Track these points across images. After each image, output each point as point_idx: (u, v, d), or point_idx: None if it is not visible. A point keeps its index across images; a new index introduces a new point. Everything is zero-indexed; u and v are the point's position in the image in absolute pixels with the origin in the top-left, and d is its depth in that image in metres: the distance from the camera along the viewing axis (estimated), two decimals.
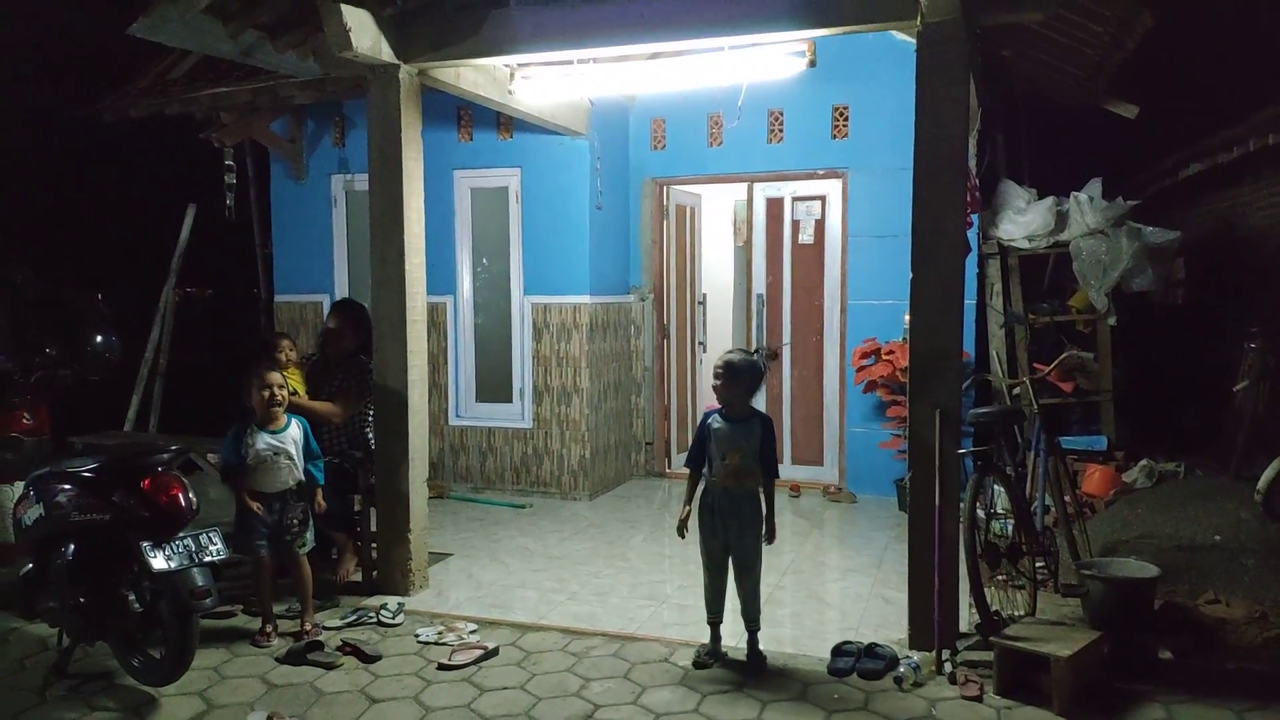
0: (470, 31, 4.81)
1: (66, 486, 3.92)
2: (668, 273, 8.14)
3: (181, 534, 3.79)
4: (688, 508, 4.33)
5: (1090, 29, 5.61)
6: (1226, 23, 8.23)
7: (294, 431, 4.55)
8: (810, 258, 7.71)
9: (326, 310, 7.77)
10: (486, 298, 7.67)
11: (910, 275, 4.28)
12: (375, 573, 5.22)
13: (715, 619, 4.32)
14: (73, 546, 3.89)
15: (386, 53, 4.85)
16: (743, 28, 4.47)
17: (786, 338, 7.79)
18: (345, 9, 4.54)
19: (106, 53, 7.35)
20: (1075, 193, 7.16)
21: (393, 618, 4.73)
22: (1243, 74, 7.77)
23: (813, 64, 5.23)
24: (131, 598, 3.83)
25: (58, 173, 9.51)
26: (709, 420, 4.27)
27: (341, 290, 7.89)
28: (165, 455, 3.93)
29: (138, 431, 7.65)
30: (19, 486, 4.38)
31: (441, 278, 7.45)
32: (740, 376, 4.18)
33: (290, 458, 4.49)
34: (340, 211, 7.88)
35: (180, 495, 3.79)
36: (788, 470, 7.61)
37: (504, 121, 7.27)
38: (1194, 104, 8.04)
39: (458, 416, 7.70)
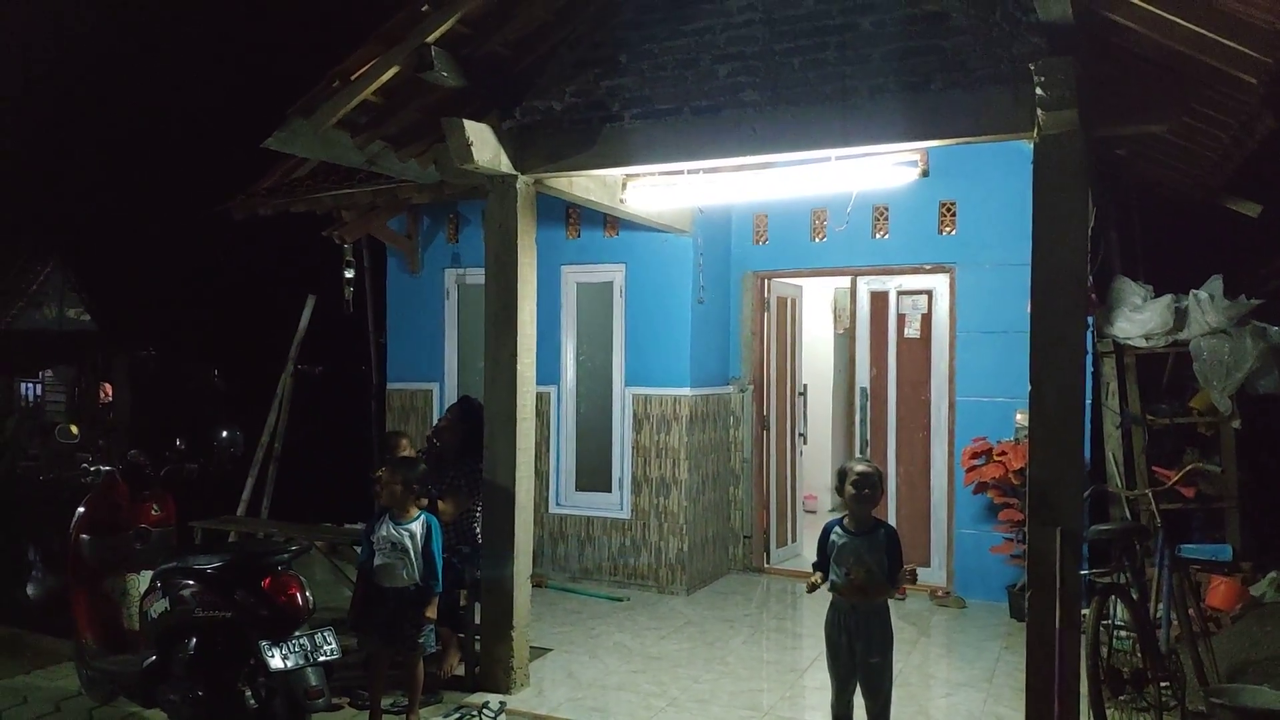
0: (585, 144, 4.99)
1: (191, 583, 4.07)
2: (768, 364, 8.12)
3: (298, 633, 3.88)
4: (818, 574, 4.23)
5: (1210, 133, 5.47)
6: None
7: (416, 526, 4.63)
8: (916, 352, 7.59)
9: (436, 397, 8.06)
10: (589, 388, 7.78)
11: (1027, 374, 4.18)
12: (478, 668, 5.24)
13: None
14: (195, 641, 4.01)
15: (505, 164, 5.06)
16: (856, 140, 4.51)
17: (892, 433, 7.65)
18: (468, 124, 4.77)
19: (236, 154, 7.86)
20: (1195, 290, 6.91)
21: (494, 717, 4.73)
22: None
23: (925, 173, 5.24)
24: (248, 694, 3.91)
25: (189, 266, 10.11)
26: (832, 533, 4.19)
27: (451, 378, 8.12)
28: (285, 555, 4.05)
29: (250, 517, 7.93)
30: (146, 576, 4.57)
31: (546, 368, 7.58)
32: (879, 487, 4.14)
33: (405, 552, 4.56)
34: (452, 303, 8.16)
35: (298, 594, 3.89)
36: None
37: (610, 221, 7.46)
38: None
39: (558, 505, 7.76)
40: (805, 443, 8.81)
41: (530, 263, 5.21)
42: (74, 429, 4.94)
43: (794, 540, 8.46)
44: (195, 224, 8.84)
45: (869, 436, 7.72)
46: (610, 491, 7.62)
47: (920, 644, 6.26)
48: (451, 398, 7.83)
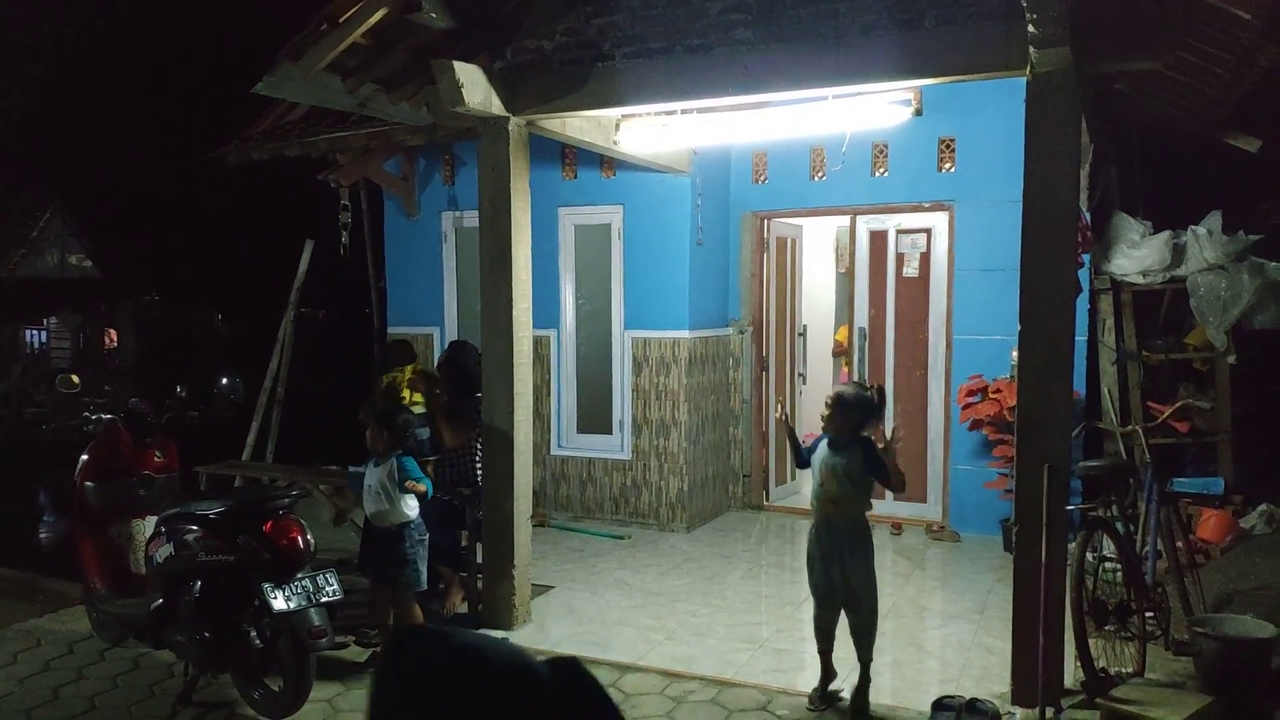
0: (576, 85, 4.95)
1: (194, 528, 4.17)
2: (768, 305, 8.13)
3: (300, 574, 3.99)
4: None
5: (1207, 69, 5.39)
6: None
7: (384, 467, 4.60)
8: (915, 291, 7.59)
9: (437, 341, 8.11)
10: (589, 331, 7.81)
11: (1019, 313, 4.21)
12: (481, 606, 5.37)
13: (824, 647, 4.32)
14: (199, 584, 4.12)
15: (496, 105, 5.03)
16: (849, 78, 4.47)
17: (890, 372, 7.69)
18: (458, 65, 4.73)
19: (229, 99, 7.79)
20: (1193, 226, 6.88)
21: None
22: None
23: (919, 112, 5.18)
24: (253, 634, 4.03)
25: (187, 212, 10.10)
26: (817, 444, 4.30)
27: (451, 322, 8.16)
28: (286, 500, 4.15)
29: (256, 461, 8.04)
30: (151, 522, 4.68)
31: (545, 312, 7.61)
32: (848, 409, 4.20)
33: (383, 492, 4.59)
34: (450, 247, 8.15)
35: (299, 538, 3.99)
36: (890, 506, 7.49)
37: (607, 161, 7.41)
38: None
39: (559, 446, 7.85)
40: (805, 383, 8.86)
41: (524, 206, 5.21)
42: (75, 379, 5.01)
43: (793, 479, 8.55)
44: (192, 169, 8.79)
45: (867, 376, 7.75)
46: (611, 433, 7.70)
47: (914, 577, 6.39)
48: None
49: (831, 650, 4.33)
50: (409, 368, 6.36)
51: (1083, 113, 4.45)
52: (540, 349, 7.70)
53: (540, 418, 7.75)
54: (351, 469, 4.82)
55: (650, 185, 7.32)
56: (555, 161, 7.62)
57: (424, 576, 4.72)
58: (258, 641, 4.00)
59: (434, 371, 5.70)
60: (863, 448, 4.20)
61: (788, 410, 4.44)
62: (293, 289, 8.13)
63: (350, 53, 4.76)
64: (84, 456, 4.81)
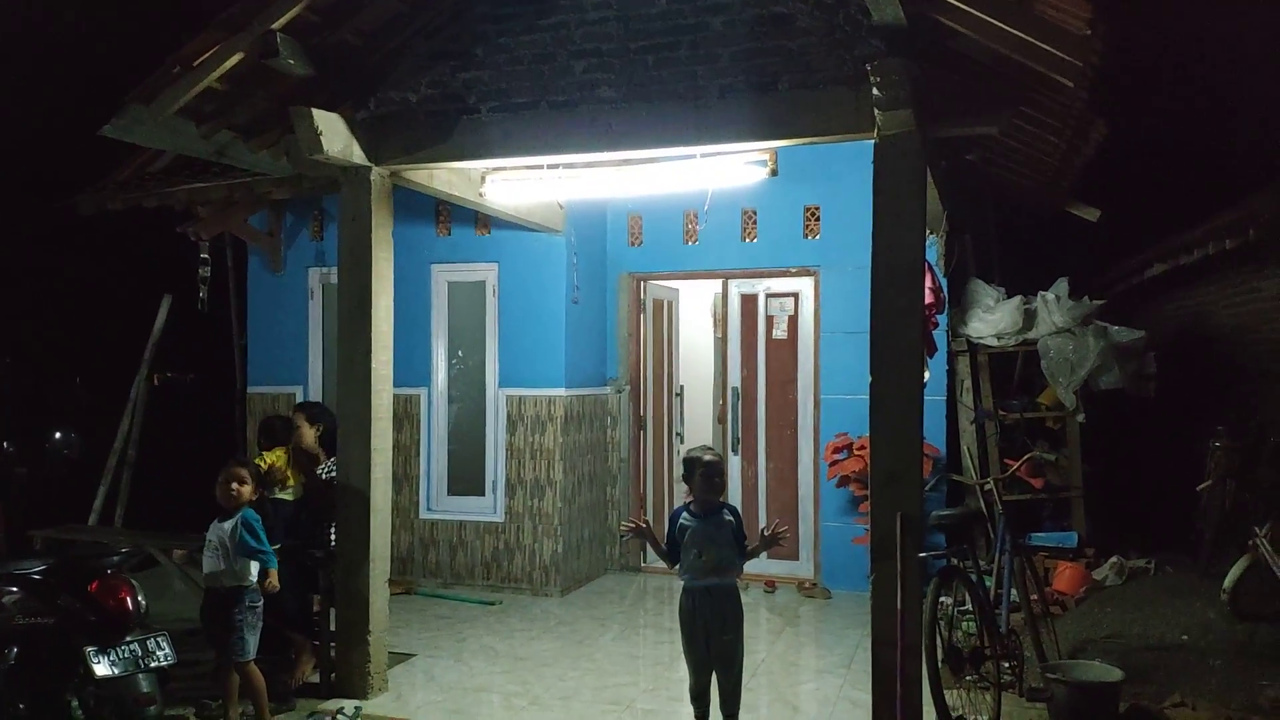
0: (441, 137, 4.94)
1: (13, 589, 3.86)
2: (644, 365, 8.19)
3: (129, 638, 3.72)
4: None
5: (1046, 139, 5.80)
6: (1182, 128, 8.51)
7: (231, 523, 4.39)
8: (784, 352, 7.78)
9: (300, 400, 7.81)
10: (461, 390, 7.68)
11: (870, 366, 4.33)
12: (334, 675, 5.09)
13: (701, 713, 4.30)
14: (16, 650, 3.79)
15: (358, 155, 4.97)
16: (708, 138, 4.60)
17: (762, 430, 7.81)
18: (316, 114, 4.66)
19: (85, 147, 7.50)
20: (1043, 292, 7.28)
21: None
22: (1200, 176, 8.01)
23: (774, 173, 5.37)
24: (74, 704, 3.73)
25: (34, 264, 9.57)
26: (680, 519, 4.27)
27: (315, 381, 7.89)
28: (115, 558, 3.88)
29: (102, 526, 7.53)
30: None
31: (416, 370, 7.48)
32: (709, 473, 4.24)
33: (220, 549, 4.34)
34: (317, 304, 7.93)
35: (128, 598, 3.73)
36: (762, 565, 7.51)
37: (482, 219, 7.40)
38: (1154, 206, 8.26)
39: (428, 510, 7.62)
40: (682, 442, 8.89)
41: (386, 257, 5.13)
42: None
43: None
44: (41, 221, 8.35)
45: (740, 434, 7.86)
46: (484, 495, 7.54)
47: (785, 633, 6.40)
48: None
49: (708, 716, 4.30)
50: (281, 450, 5.61)
51: (931, 179, 4.70)
52: (410, 408, 7.52)
53: (409, 479, 7.53)
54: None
55: (525, 243, 7.33)
56: (429, 218, 7.56)
57: (252, 646, 4.40)
58: (79, 712, 3.68)
59: (310, 443, 5.36)
60: (731, 513, 4.27)
61: (641, 521, 4.44)
62: (147, 346, 7.74)
63: (205, 97, 4.63)
64: None
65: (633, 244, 8.00)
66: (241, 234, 7.67)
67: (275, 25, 4.33)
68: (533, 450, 7.34)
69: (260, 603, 4.48)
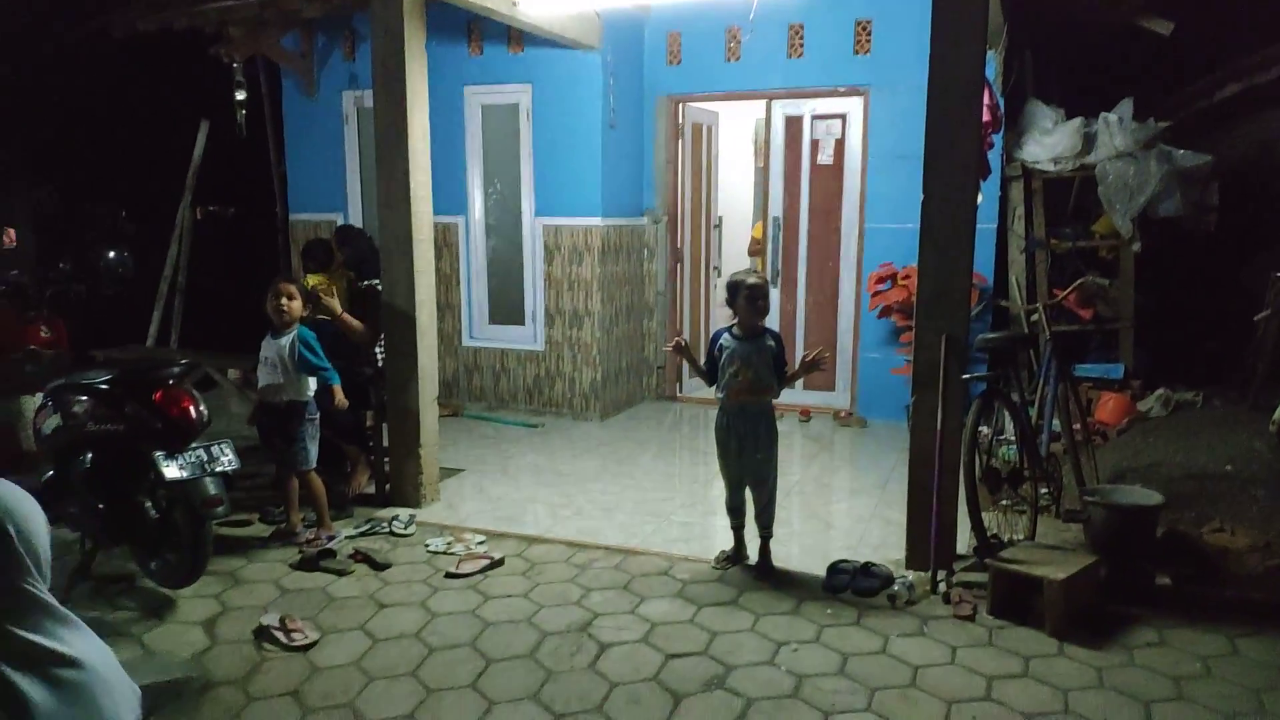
0: None
1: (82, 398, 4.02)
2: (682, 195, 8.04)
3: (194, 445, 3.89)
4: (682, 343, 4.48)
5: None
6: None
7: (286, 339, 4.57)
8: (829, 179, 7.58)
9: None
10: (498, 219, 7.63)
11: (923, 185, 4.22)
12: (388, 486, 5.33)
13: (737, 524, 4.48)
14: (90, 455, 4.00)
15: None
16: None
17: (803, 262, 7.72)
18: None
19: None
20: (1105, 113, 6.95)
21: (404, 528, 4.86)
22: None
23: None
24: (148, 505, 3.95)
25: (72, 90, 9.48)
26: (720, 339, 4.32)
27: (355, 208, 7.89)
28: (176, 369, 4.01)
29: (159, 347, 7.77)
30: (39, 398, 4.49)
31: (453, 198, 7.41)
32: (751, 296, 4.24)
33: (277, 366, 4.54)
34: (352, 128, 7.82)
35: (191, 408, 3.87)
36: (799, 395, 7.63)
37: (514, 35, 7.13)
38: (1231, 20, 7.71)
39: (471, 338, 7.75)
40: (720, 275, 8.85)
41: (421, 71, 4.99)
42: None
43: None
44: (77, 45, 8.20)
45: (780, 267, 7.78)
46: (524, 324, 7.62)
47: (819, 458, 6.54)
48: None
49: (743, 526, 4.49)
50: (323, 274, 5.63)
51: None
52: (448, 236, 7.52)
53: (451, 308, 7.62)
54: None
55: (560, 62, 7.08)
56: (460, 37, 7.31)
57: (312, 455, 4.66)
58: (153, 512, 3.92)
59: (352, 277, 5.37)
60: (774, 338, 4.30)
61: (684, 338, 4.45)
62: (189, 173, 7.74)
63: None
64: None
65: (671, 63, 7.69)
66: (274, 55, 7.49)
67: None
68: (570, 281, 7.36)
69: (317, 415, 4.67)
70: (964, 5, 4.06)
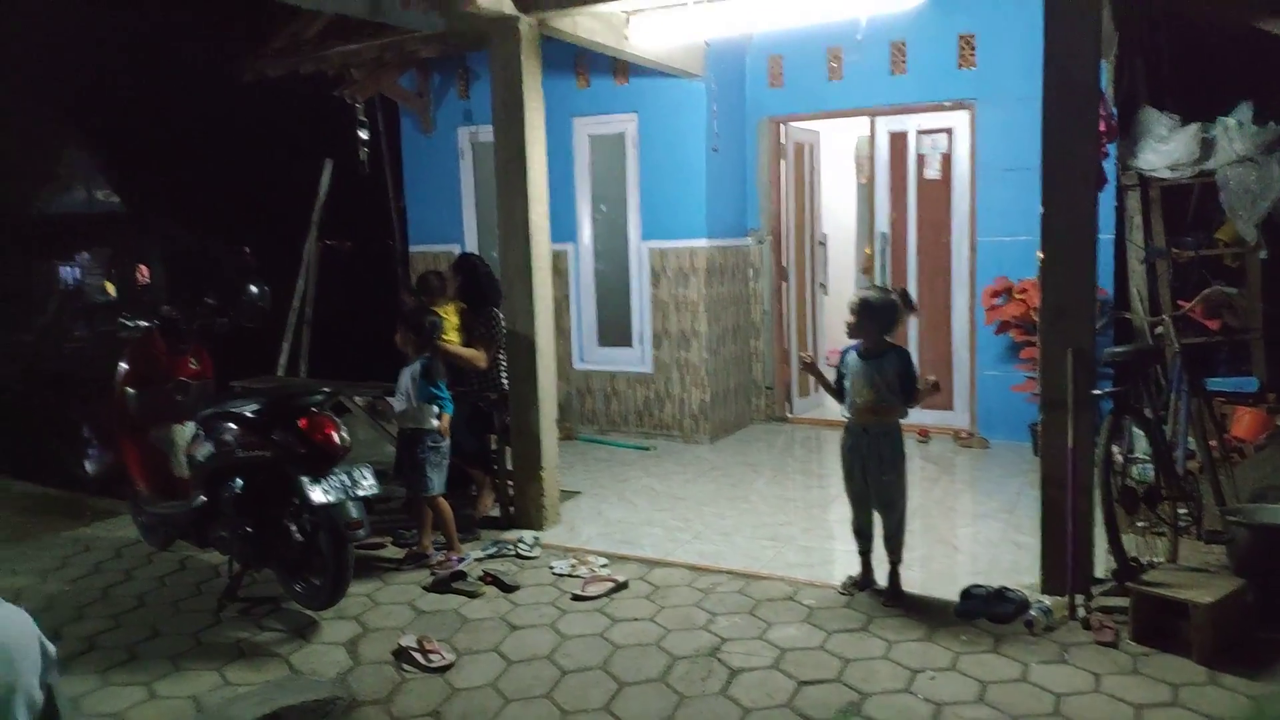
0: None
1: (232, 425, 4.26)
2: (786, 213, 8.06)
3: (336, 470, 4.08)
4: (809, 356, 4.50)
5: None
6: None
7: (411, 368, 4.83)
8: (937, 193, 7.49)
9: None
10: (606, 244, 7.79)
11: (1041, 198, 4.16)
12: (512, 508, 5.48)
13: (864, 548, 4.43)
14: (239, 481, 4.23)
15: (507, 4, 4.95)
16: None
17: (913, 277, 7.63)
18: None
19: (242, 16, 7.70)
20: (1223, 118, 6.70)
21: (529, 550, 4.98)
22: None
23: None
24: (293, 528, 4.14)
25: (201, 132, 10.07)
26: (847, 356, 4.32)
27: (471, 239, 8.17)
28: (319, 397, 4.22)
29: (289, 376, 8.15)
30: (190, 426, 4.78)
31: (563, 225, 7.59)
32: (873, 314, 4.21)
33: (405, 394, 4.81)
34: (467, 163, 8.11)
35: (334, 433, 4.06)
36: (916, 415, 7.40)
37: (620, 67, 7.30)
38: None
39: (581, 361, 7.90)
40: (826, 293, 8.82)
41: (538, 107, 5.16)
42: (109, 286, 5.07)
43: (816, 391, 8.56)
44: (207, 90, 8.73)
45: (889, 282, 7.70)
46: (632, 346, 7.73)
47: (942, 481, 6.43)
48: None
49: (870, 551, 4.43)
50: (447, 304, 5.71)
51: None
52: (558, 263, 7.68)
53: (561, 332, 7.78)
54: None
55: (664, 91, 7.21)
56: (568, 70, 7.51)
57: (436, 482, 4.85)
58: (298, 535, 4.11)
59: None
60: (897, 356, 4.23)
61: (811, 354, 4.46)
62: (314, 209, 8.13)
63: None
64: (122, 364, 4.90)
65: (773, 85, 7.74)
66: (393, 95, 7.84)
67: None
68: (677, 302, 7.44)
69: (442, 443, 4.84)
70: (1077, 15, 3.99)
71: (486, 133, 7.82)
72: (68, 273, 20.44)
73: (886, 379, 4.20)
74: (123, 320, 4.87)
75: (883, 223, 7.68)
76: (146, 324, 4.88)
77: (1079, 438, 4.10)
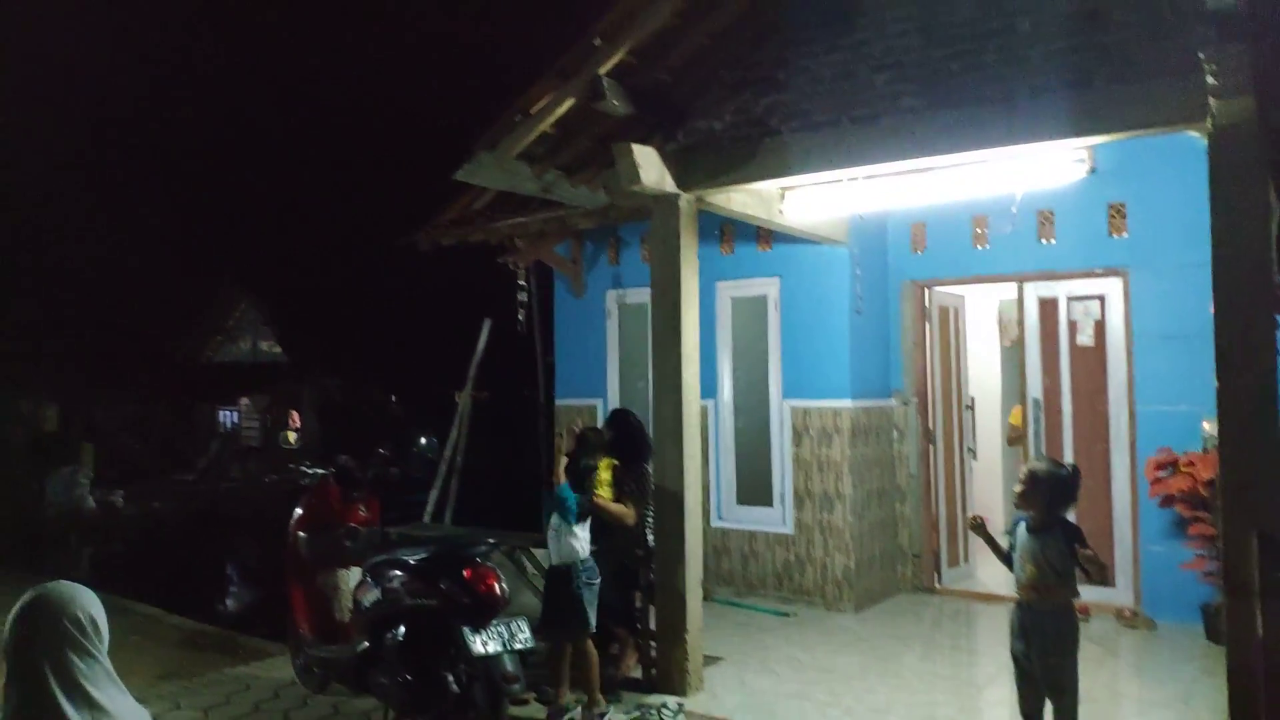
0: (744, 160, 5.18)
1: (399, 573, 4.46)
2: (931, 375, 8.01)
3: (496, 621, 4.18)
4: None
5: None
6: None
7: (558, 500, 4.93)
8: (1091, 360, 7.33)
9: (600, 412, 8.39)
10: (745, 401, 7.90)
11: (1214, 382, 4.04)
12: (654, 670, 5.42)
13: None
14: (403, 628, 4.38)
15: (669, 184, 5.31)
16: (1020, 138, 4.51)
17: (1069, 445, 7.38)
18: (635, 148, 5.05)
19: (414, 192, 8.47)
20: None
21: (673, 717, 4.89)
22: None
23: (1092, 170, 5.15)
24: (450, 678, 4.23)
25: (369, 291, 10.92)
26: (1017, 526, 4.21)
27: (613, 394, 8.44)
28: (484, 548, 4.39)
29: (435, 523, 8.45)
30: (355, 572, 5.02)
31: (704, 382, 7.69)
32: (1039, 487, 4.10)
33: (554, 531, 4.88)
34: (614, 323, 8.50)
35: (496, 585, 4.20)
36: None
37: (763, 234, 7.61)
38: None
39: (719, 519, 7.89)
40: (975, 458, 8.60)
41: (693, 276, 5.44)
42: (291, 436, 5.47)
43: (966, 561, 8.24)
44: (377, 257, 9.57)
45: (1044, 450, 7.48)
46: (771, 506, 7.68)
47: (1108, 664, 6.01)
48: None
49: None
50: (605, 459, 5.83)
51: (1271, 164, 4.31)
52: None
53: (700, 488, 7.82)
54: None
55: (807, 256, 7.45)
56: (713, 237, 7.87)
57: (591, 620, 4.85)
58: (454, 686, 4.19)
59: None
60: (1063, 531, 4.06)
61: (983, 518, 4.38)
62: (471, 364, 8.64)
63: (538, 141, 5.18)
64: (298, 509, 5.23)
65: (915, 251, 7.88)
66: (550, 261, 8.40)
67: (602, 70, 4.75)
68: (820, 463, 7.40)
69: (596, 581, 4.88)
70: (1244, 189, 3.99)
71: (633, 295, 8.23)
72: (227, 417, 22.13)
73: (1049, 556, 4.03)
74: (303, 467, 5.24)
75: (1035, 389, 7.53)
76: (323, 472, 5.22)
77: (1269, 626, 3.82)
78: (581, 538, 4.87)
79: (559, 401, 8.76)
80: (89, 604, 2.19)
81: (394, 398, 16.57)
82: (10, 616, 2.15)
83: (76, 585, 2.23)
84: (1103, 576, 4.09)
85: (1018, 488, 4.17)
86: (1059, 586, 4.05)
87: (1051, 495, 4.09)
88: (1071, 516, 7.10)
